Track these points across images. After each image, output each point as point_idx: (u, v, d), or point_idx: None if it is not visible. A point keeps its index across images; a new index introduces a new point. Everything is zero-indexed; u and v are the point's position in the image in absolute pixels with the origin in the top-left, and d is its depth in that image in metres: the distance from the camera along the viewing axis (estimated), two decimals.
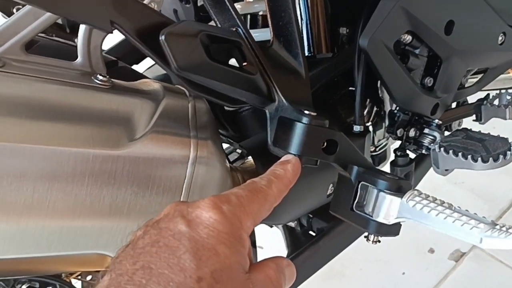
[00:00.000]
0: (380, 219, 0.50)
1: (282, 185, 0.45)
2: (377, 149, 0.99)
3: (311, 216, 0.91)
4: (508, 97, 0.98)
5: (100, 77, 0.49)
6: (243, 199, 0.41)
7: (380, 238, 0.58)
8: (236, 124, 0.80)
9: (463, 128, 0.87)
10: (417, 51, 0.83)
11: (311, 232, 0.93)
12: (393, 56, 0.77)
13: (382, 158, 1.00)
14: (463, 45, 0.84)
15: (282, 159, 0.49)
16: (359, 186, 0.52)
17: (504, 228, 0.42)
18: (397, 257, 1.35)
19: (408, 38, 0.80)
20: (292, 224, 0.90)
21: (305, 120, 0.49)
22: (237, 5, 0.83)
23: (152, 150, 0.49)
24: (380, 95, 0.94)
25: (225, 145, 0.86)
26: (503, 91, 0.99)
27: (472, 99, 1.02)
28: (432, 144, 0.85)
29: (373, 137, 0.94)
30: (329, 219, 0.90)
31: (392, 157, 0.97)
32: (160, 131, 0.50)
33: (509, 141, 0.78)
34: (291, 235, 0.94)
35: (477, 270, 1.31)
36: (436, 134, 0.85)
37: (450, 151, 0.80)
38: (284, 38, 0.56)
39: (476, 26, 0.86)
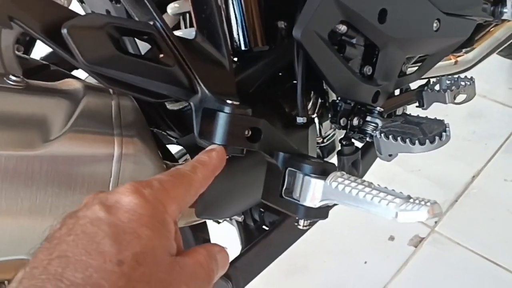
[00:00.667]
0: (307, 203, 0.50)
1: (207, 171, 0.46)
2: (325, 140, 1.00)
3: (262, 210, 0.92)
4: (448, 82, 1.00)
5: (13, 78, 0.48)
6: (166, 184, 0.41)
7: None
8: (181, 123, 0.80)
9: (402, 113, 0.89)
10: (353, 41, 0.84)
11: (264, 227, 0.93)
12: (328, 47, 0.78)
13: (331, 149, 1.02)
14: (399, 33, 0.86)
15: (207, 148, 0.49)
16: (287, 172, 0.52)
17: (417, 201, 0.42)
18: (359, 247, 1.37)
19: (343, 28, 0.81)
20: (239, 218, 0.90)
21: (227, 109, 0.50)
22: (175, 4, 0.83)
23: (71, 149, 0.48)
24: (325, 87, 0.95)
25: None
26: (443, 76, 1.02)
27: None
28: (375, 131, 0.86)
29: (320, 129, 0.95)
30: (279, 212, 0.91)
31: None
32: (79, 130, 0.49)
33: (445, 122, 0.80)
34: (245, 231, 0.94)
35: (436, 254, 1.34)
36: (378, 121, 0.87)
37: (390, 136, 0.81)
38: (207, 31, 0.56)
39: (409, 13, 0.87)
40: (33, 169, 0.46)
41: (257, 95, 0.83)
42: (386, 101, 0.92)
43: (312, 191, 0.50)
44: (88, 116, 0.51)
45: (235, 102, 0.50)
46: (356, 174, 0.96)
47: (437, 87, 1.00)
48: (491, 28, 1.19)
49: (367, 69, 0.87)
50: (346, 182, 0.47)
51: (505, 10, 1.07)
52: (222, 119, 0.49)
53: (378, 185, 0.47)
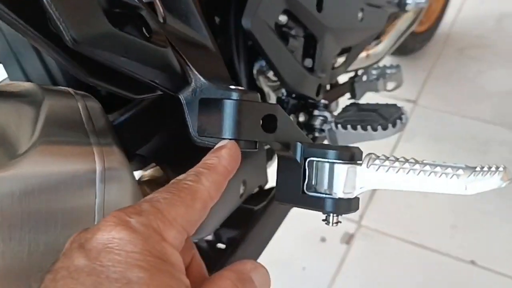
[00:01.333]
0: (341, 194, 0.43)
1: (217, 175, 0.37)
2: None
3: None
4: (374, 72, 1.01)
5: None
6: (161, 204, 0.32)
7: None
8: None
9: (352, 103, 0.87)
10: (293, 32, 0.80)
11: (219, 245, 0.83)
12: (276, 37, 0.73)
13: (274, 152, 0.96)
14: (333, 22, 0.84)
15: (215, 147, 0.40)
16: (307, 164, 0.45)
17: (485, 169, 0.38)
18: (294, 254, 1.33)
19: (284, 19, 0.77)
20: (209, 237, 0.79)
21: (234, 95, 0.41)
22: None
23: (45, 166, 0.36)
24: (259, 86, 0.88)
25: None
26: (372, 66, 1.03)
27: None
28: (325, 125, 0.83)
29: None
30: (239, 225, 0.82)
31: None
32: (51, 141, 0.37)
33: (398, 105, 0.80)
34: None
35: (368, 247, 1.35)
36: (326, 114, 0.84)
37: (348, 126, 0.78)
38: (178, 12, 0.47)
39: (340, 2, 0.86)
40: (1, 197, 0.32)
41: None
42: (325, 95, 0.90)
43: (346, 180, 0.43)
44: (56, 122, 0.38)
45: (240, 88, 0.42)
46: None
47: (364, 78, 1.01)
48: (393, 20, 1.25)
49: (308, 62, 0.84)
50: (387, 163, 0.41)
51: (408, 1, 1.12)
52: (230, 107, 0.40)
53: (423, 160, 0.42)
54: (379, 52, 1.19)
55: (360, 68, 1.06)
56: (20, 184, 0.34)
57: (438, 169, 0.40)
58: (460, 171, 0.39)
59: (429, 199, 1.44)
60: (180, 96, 0.43)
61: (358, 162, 0.43)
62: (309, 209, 0.46)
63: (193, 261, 0.39)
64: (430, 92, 1.92)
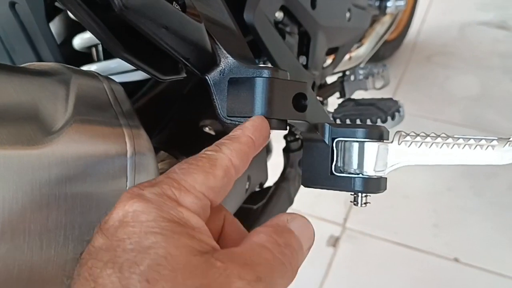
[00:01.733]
0: (371, 172, 0.43)
1: (239, 144, 0.36)
2: None
3: None
4: (361, 72, 1.03)
5: None
6: (176, 174, 0.32)
7: None
8: None
9: (348, 98, 0.88)
10: (288, 29, 0.80)
11: None
12: (276, 32, 0.73)
13: (267, 150, 0.95)
14: (325, 20, 0.85)
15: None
16: (334, 145, 0.45)
17: None
18: None
19: (280, 15, 0.77)
20: None
21: (266, 73, 0.40)
22: (84, 35, 0.70)
23: (80, 145, 0.34)
24: None
25: None
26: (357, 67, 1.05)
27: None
28: None
29: None
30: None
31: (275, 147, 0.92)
32: (84, 119, 0.35)
33: (394, 99, 0.81)
34: None
35: (354, 249, 1.36)
36: None
37: (347, 121, 0.79)
38: None
39: (331, 1, 0.88)
40: (39, 175, 0.30)
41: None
42: (318, 92, 0.91)
43: (377, 157, 0.43)
44: (86, 101, 0.36)
45: (270, 66, 0.41)
46: (300, 171, 0.91)
47: (352, 78, 1.02)
48: (372, 24, 1.27)
49: (302, 59, 0.84)
50: (418, 138, 0.42)
51: (389, 4, 1.15)
52: (261, 85, 0.40)
53: (453, 135, 0.42)
54: (361, 54, 1.22)
55: (343, 70, 1.08)
56: (57, 162, 0.32)
57: (472, 141, 0.40)
58: (495, 142, 0.39)
59: (410, 200, 1.47)
60: (207, 77, 0.42)
61: (387, 140, 0.43)
62: (337, 190, 0.45)
63: (227, 225, 0.38)
64: (403, 97, 1.96)
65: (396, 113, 0.75)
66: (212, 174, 0.32)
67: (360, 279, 1.29)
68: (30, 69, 0.36)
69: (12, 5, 0.61)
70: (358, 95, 0.98)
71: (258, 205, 0.82)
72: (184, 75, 0.43)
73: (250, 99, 0.40)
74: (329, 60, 1.00)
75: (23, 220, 0.29)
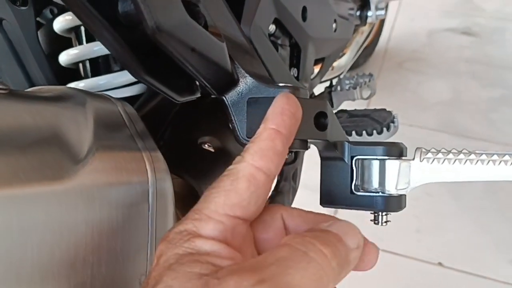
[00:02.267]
0: (393, 190, 0.42)
1: (261, 142, 0.33)
2: None
3: None
4: (347, 82, 1.03)
5: None
6: (199, 204, 0.31)
7: None
8: None
9: (340, 110, 0.87)
10: (279, 41, 0.80)
11: None
12: (271, 44, 0.72)
13: None
14: (314, 31, 0.85)
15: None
16: (353, 163, 0.44)
17: None
18: None
19: (272, 28, 0.76)
20: None
21: (285, 91, 0.39)
22: (66, 16, 0.66)
23: (104, 175, 0.32)
24: None
25: None
26: (341, 77, 1.05)
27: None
28: None
29: None
30: None
31: None
32: (105, 145, 0.33)
33: (387, 109, 0.81)
34: None
35: None
36: None
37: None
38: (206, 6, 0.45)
39: (319, 12, 0.88)
40: (66, 212, 0.28)
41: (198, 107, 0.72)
42: None
43: (399, 175, 0.42)
44: (104, 126, 0.34)
45: (290, 84, 0.41)
46: (294, 184, 0.90)
47: (339, 88, 1.02)
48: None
49: (294, 71, 0.84)
50: (440, 155, 0.41)
51: (369, 14, 1.16)
52: None
53: (474, 151, 0.42)
54: (343, 64, 1.22)
55: (327, 80, 1.08)
56: (82, 195, 0.30)
57: (495, 157, 0.40)
58: None
59: None
60: (224, 98, 0.41)
61: (407, 158, 0.43)
62: (358, 209, 0.45)
63: (289, 221, 0.37)
64: (377, 104, 1.99)
65: (391, 124, 0.76)
66: (233, 190, 0.31)
67: (345, 286, 1.29)
68: (43, 94, 0.33)
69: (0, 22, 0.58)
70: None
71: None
72: (199, 95, 0.41)
73: None
74: (315, 70, 1.00)
75: (51, 263, 0.27)
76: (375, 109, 0.82)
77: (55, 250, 0.27)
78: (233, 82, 0.40)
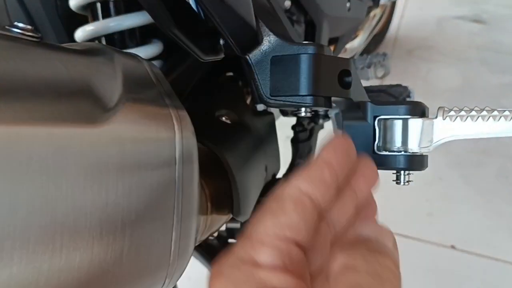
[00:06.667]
0: (416, 149, 0.43)
1: (311, 169, 0.31)
2: None
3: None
4: (361, 62, 1.03)
5: (21, 25, 0.30)
6: (247, 229, 0.28)
7: None
8: None
9: None
10: (295, 18, 0.80)
11: (231, 240, 0.80)
12: (288, 20, 0.72)
13: None
14: (329, 9, 0.85)
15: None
16: (376, 124, 0.44)
17: None
18: None
19: (288, 3, 0.76)
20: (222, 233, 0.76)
21: (311, 49, 0.39)
22: None
23: (134, 125, 0.32)
24: None
25: None
26: (354, 58, 1.05)
27: None
28: (330, 110, 0.83)
29: None
30: (250, 216, 0.80)
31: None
32: (135, 98, 0.33)
33: (403, 85, 0.81)
34: (209, 253, 0.80)
35: None
36: None
37: None
38: None
39: None
40: (98, 155, 0.29)
41: (209, 86, 0.72)
42: None
43: (422, 134, 0.42)
44: (133, 80, 0.35)
45: (313, 42, 0.41)
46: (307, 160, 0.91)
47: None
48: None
49: None
50: (464, 113, 0.41)
51: None
52: (306, 62, 0.39)
53: (491, 107, 0.42)
54: (355, 46, 1.22)
55: None
56: (114, 141, 0.30)
57: None
58: None
59: (403, 190, 1.48)
60: (248, 57, 0.41)
61: (430, 116, 0.43)
62: (381, 169, 0.45)
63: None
64: None
65: (407, 99, 0.76)
66: (280, 210, 0.28)
67: None
68: (73, 47, 0.34)
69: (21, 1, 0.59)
70: None
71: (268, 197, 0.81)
72: (223, 55, 0.42)
73: (295, 76, 0.39)
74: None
75: (84, 205, 0.27)
76: (391, 84, 0.82)
77: (87, 191, 0.28)
78: (257, 40, 0.40)
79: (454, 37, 2.34)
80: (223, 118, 0.65)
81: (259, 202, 0.83)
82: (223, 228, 0.78)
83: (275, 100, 0.41)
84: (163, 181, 0.35)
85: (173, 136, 0.36)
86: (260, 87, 0.41)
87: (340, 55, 1.21)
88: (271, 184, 0.82)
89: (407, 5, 2.56)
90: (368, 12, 1.31)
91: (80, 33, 0.68)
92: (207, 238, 0.81)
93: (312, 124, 0.87)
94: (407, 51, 2.21)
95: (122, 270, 0.31)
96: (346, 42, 1.05)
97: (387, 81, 2.05)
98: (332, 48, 0.99)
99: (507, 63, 2.12)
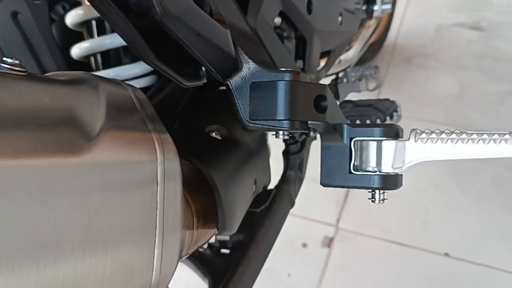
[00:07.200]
0: (390, 169, 0.45)
1: None
2: None
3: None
4: (353, 74, 1.05)
5: (10, 61, 0.32)
6: None
7: None
8: None
9: (345, 100, 0.89)
10: (285, 34, 0.82)
11: (223, 251, 0.82)
12: (277, 37, 0.74)
13: None
14: (320, 24, 0.87)
15: None
16: (352, 145, 0.46)
17: None
18: (277, 261, 1.32)
19: (278, 20, 0.78)
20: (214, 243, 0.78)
21: (288, 76, 0.41)
22: (78, 11, 0.68)
23: (116, 152, 0.34)
24: None
25: None
26: (347, 70, 1.07)
27: None
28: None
29: None
30: (242, 228, 0.82)
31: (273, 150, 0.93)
32: (117, 125, 0.36)
33: (391, 99, 0.83)
34: (203, 263, 0.82)
35: (348, 249, 1.38)
36: None
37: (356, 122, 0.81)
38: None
39: (325, 6, 0.90)
40: (81, 182, 0.31)
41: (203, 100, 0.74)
42: None
43: (395, 155, 0.44)
44: (116, 108, 0.37)
45: (291, 69, 0.43)
46: (300, 174, 0.92)
47: (345, 80, 1.04)
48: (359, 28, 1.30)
49: (299, 63, 0.86)
50: (434, 135, 0.43)
51: (375, 8, 1.17)
52: (283, 89, 0.41)
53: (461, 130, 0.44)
54: (350, 57, 1.24)
55: (335, 73, 1.10)
56: (96, 169, 0.32)
57: (485, 136, 0.42)
58: (507, 136, 0.41)
59: (399, 198, 1.50)
60: (228, 82, 0.43)
61: (403, 138, 0.45)
62: (356, 188, 0.47)
63: None
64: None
65: (394, 113, 0.78)
66: None
67: (355, 277, 1.31)
68: (59, 78, 0.36)
69: (15, 15, 0.61)
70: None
71: (261, 208, 0.83)
72: (205, 81, 0.44)
73: (273, 102, 0.41)
74: (322, 63, 1.02)
75: (67, 228, 0.30)
76: (379, 99, 0.84)
77: (70, 216, 0.30)
78: (237, 67, 0.42)
79: (453, 44, 2.36)
80: (213, 134, 0.67)
81: (250, 213, 0.85)
82: (214, 239, 0.80)
83: (254, 123, 0.43)
84: (145, 201, 0.37)
85: (154, 159, 0.38)
86: (240, 111, 0.43)
87: (335, 66, 1.23)
88: (261, 197, 0.84)
89: (406, 12, 2.58)
90: (362, 24, 1.33)
91: (76, 50, 0.71)
92: (197, 250, 0.83)
93: (304, 137, 0.88)
94: (405, 59, 2.23)
95: None
96: (339, 54, 1.07)
97: (385, 89, 2.07)
98: (325, 61, 1.01)
99: (505, 70, 2.14)
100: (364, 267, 1.33)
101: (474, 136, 0.42)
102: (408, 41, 2.38)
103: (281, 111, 0.41)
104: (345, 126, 0.46)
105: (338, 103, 0.93)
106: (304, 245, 1.38)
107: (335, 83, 1.02)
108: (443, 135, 0.43)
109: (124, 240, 0.35)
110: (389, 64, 2.20)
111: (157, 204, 0.38)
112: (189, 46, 0.35)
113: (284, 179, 0.87)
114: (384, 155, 0.45)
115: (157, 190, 0.38)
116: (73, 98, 0.34)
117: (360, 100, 0.87)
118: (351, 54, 1.23)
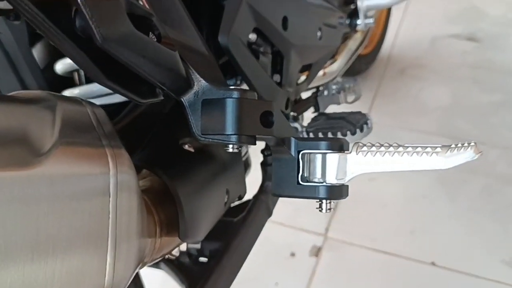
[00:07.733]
0: (333, 180, 0.47)
1: None
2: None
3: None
4: (334, 87, 1.08)
5: None
6: None
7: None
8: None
9: (320, 113, 0.92)
10: (261, 49, 0.85)
11: (202, 259, 0.85)
12: (250, 53, 0.77)
13: (246, 165, 0.99)
14: (297, 39, 0.90)
15: None
16: (300, 157, 0.49)
17: (459, 145, 0.44)
18: (265, 270, 1.35)
19: (253, 37, 0.82)
20: (176, 254, 0.81)
21: (235, 94, 0.45)
22: (67, 60, 0.73)
23: (66, 165, 0.37)
24: None
25: None
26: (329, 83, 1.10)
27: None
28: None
29: None
30: (219, 237, 0.84)
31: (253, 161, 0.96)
32: (69, 142, 0.39)
33: (363, 112, 0.86)
34: (181, 271, 0.85)
35: (336, 258, 1.40)
36: (296, 125, 0.88)
37: (319, 134, 0.84)
38: (174, 22, 0.51)
39: (302, 21, 0.93)
40: (29, 193, 0.34)
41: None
42: (292, 108, 0.95)
43: (338, 167, 0.47)
44: (71, 125, 0.40)
45: (239, 87, 0.46)
46: None
47: (325, 93, 1.07)
48: (345, 41, 1.33)
49: (277, 77, 0.89)
50: (374, 148, 0.46)
51: (358, 22, 1.21)
52: (231, 105, 0.44)
53: (404, 144, 0.47)
54: (334, 70, 1.27)
55: (318, 86, 1.13)
56: (45, 181, 0.35)
57: (419, 149, 0.45)
58: (438, 149, 0.44)
59: (388, 208, 1.52)
60: (182, 99, 0.46)
61: (347, 151, 0.48)
62: (304, 198, 0.50)
63: None
64: (379, 110, 2.03)
65: (365, 125, 0.80)
66: None
67: (342, 286, 1.33)
68: (18, 97, 0.39)
69: None
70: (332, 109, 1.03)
71: (238, 217, 0.86)
72: (162, 98, 0.47)
73: (222, 118, 0.44)
74: (303, 77, 1.05)
75: (15, 234, 0.33)
76: (351, 112, 0.87)
77: (18, 222, 0.33)
78: (189, 85, 0.46)
79: (448, 55, 2.38)
80: (186, 146, 0.70)
81: (227, 223, 0.88)
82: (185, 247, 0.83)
83: (205, 137, 0.46)
84: (96, 210, 0.40)
85: (107, 171, 0.41)
86: (192, 126, 0.46)
87: (319, 79, 1.27)
88: (238, 206, 0.87)
89: (402, 23, 2.61)
90: (345, 37, 1.36)
91: (60, 66, 0.75)
92: (177, 258, 0.86)
93: None
94: (399, 70, 2.25)
95: None
96: (321, 68, 1.10)
97: (378, 100, 2.09)
98: (305, 74, 1.04)
99: (498, 82, 2.16)
100: (351, 276, 1.35)
101: (410, 149, 0.45)
102: (403, 53, 2.41)
103: (229, 126, 0.44)
104: (293, 139, 0.49)
105: (316, 115, 0.96)
106: (292, 254, 1.40)
107: (315, 96, 1.05)
108: (382, 148, 0.46)
109: (74, 245, 0.38)
110: (383, 75, 2.22)
111: (109, 213, 0.41)
112: (135, 68, 0.38)
113: (262, 189, 0.90)
114: (328, 167, 0.48)
115: (109, 201, 0.41)
116: (28, 116, 0.37)
117: (333, 113, 0.90)
118: (335, 67, 1.26)
